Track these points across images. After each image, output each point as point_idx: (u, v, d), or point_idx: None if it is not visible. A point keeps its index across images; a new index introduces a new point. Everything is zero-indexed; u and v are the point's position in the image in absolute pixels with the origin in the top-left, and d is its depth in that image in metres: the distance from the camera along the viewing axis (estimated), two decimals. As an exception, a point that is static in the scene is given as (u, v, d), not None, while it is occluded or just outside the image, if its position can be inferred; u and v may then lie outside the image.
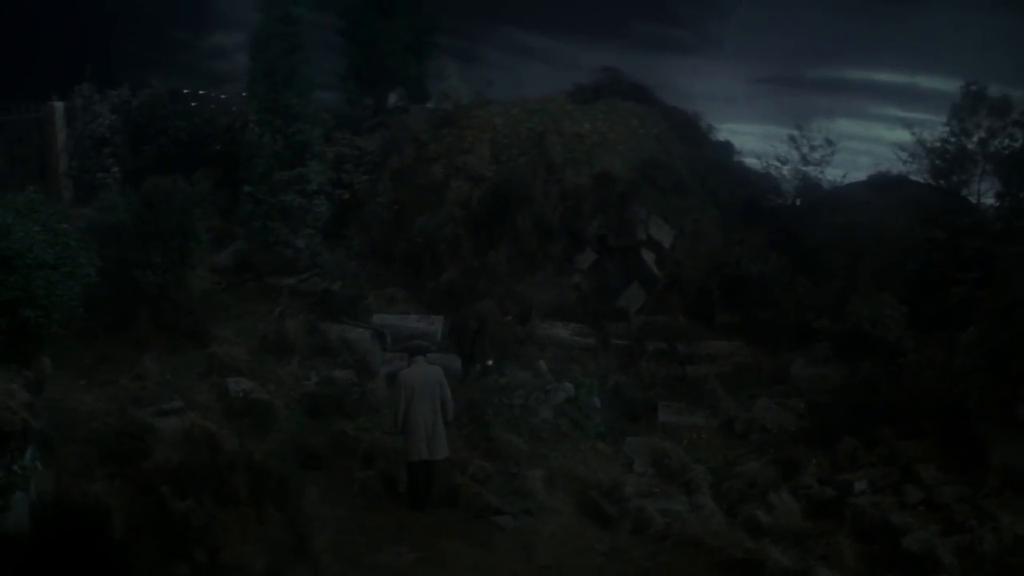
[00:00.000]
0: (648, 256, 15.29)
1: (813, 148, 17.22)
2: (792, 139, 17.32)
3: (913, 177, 16.93)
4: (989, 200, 16.41)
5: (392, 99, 19.66)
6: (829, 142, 17.28)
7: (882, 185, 16.84)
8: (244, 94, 18.27)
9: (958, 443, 11.29)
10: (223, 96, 21.20)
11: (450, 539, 10.20)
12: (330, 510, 10.58)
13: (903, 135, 17.07)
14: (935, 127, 16.72)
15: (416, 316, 14.76)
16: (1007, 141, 15.59)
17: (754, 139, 21.08)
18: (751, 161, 18.09)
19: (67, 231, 8.90)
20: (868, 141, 20.25)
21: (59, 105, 18.38)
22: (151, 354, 13.48)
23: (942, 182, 16.09)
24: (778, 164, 17.67)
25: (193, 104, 20.34)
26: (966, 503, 10.51)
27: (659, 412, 13.12)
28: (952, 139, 16.36)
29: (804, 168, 17.32)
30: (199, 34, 29.95)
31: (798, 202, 17.52)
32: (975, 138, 16.23)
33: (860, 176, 17.55)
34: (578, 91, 17.34)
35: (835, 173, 17.53)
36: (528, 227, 15.09)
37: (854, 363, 13.50)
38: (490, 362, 13.00)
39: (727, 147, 18.11)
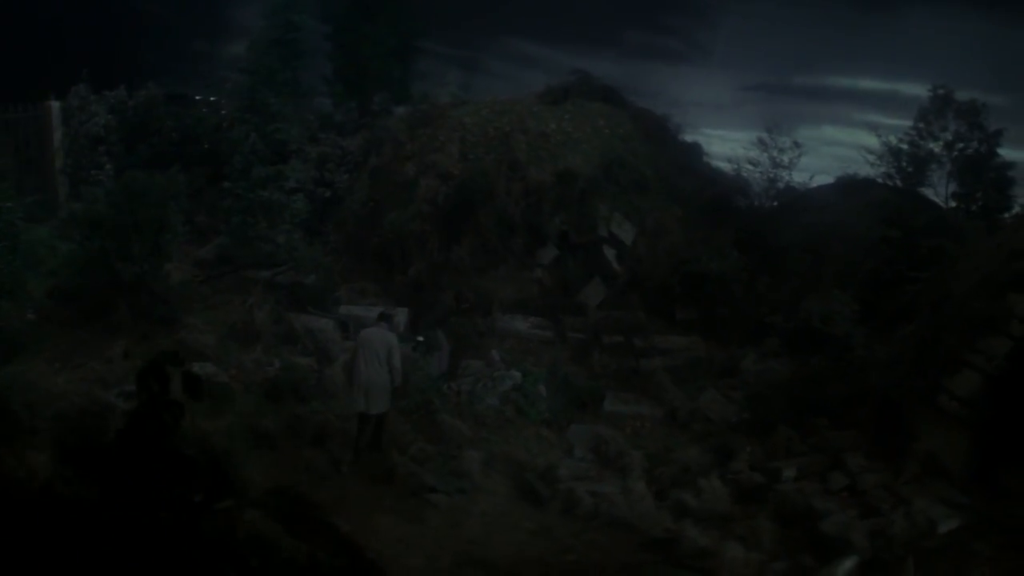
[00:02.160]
0: (609, 252, 15.63)
1: (781, 151, 17.47)
2: (761, 142, 17.60)
3: (882, 180, 17.14)
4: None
5: (377, 101, 20.16)
6: (796, 145, 17.54)
7: (848, 187, 17.07)
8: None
9: (888, 432, 11.53)
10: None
11: (383, 514, 10.64)
12: (274, 485, 11.10)
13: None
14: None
15: (381, 308, 15.18)
16: (964, 143, 15.80)
17: (741, 145, 21.34)
18: (723, 165, 18.38)
19: (12, 209, 9.41)
20: (851, 147, 20.43)
21: (55, 104, 19.10)
22: (123, 340, 14.09)
23: (899, 183, 16.27)
24: (750, 167, 17.95)
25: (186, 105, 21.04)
26: (886, 489, 10.76)
27: (606, 402, 13.45)
28: (920, 141, 16.58)
29: (772, 171, 17.57)
30: (216, 45, 30.77)
31: (770, 203, 17.78)
32: (941, 141, 16.44)
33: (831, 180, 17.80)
34: (547, 92, 17.75)
35: (805, 176, 17.80)
36: (491, 223, 15.50)
37: (804, 358, 13.80)
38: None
39: (695, 148, 18.42)
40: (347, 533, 3.41)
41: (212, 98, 22.07)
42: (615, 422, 13.09)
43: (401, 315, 14.91)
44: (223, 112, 20.37)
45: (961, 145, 16.31)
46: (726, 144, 20.03)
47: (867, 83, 24.46)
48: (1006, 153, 16.63)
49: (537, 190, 15.71)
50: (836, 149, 21.74)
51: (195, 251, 17.54)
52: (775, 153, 17.51)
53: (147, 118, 19.97)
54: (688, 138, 19.13)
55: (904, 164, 16.31)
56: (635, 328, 14.87)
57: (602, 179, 15.92)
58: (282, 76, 19.80)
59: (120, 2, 27.19)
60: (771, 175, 17.59)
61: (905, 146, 16.44)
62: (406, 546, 10.10)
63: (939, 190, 16.77)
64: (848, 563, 9.57)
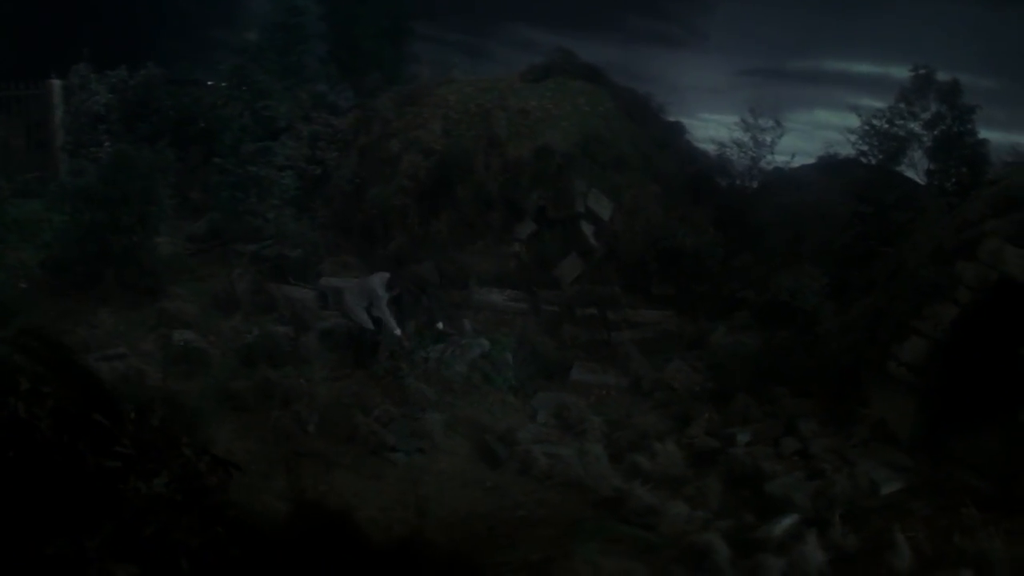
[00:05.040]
0: (586, 228, 15.84)
1: (763, 131, 17.62)
2: (744, 122, 17.76)
3: (863, 159, 17.20)
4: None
5: (369, 81, 20.48)
6: (778, 123, 17.67)
7: (829, 167, 17.19)
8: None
9: (841, 399, 11.76)
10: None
11: (343, 471, 10.99)
12: (241, 444, 11.50)
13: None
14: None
15: (359, 278, 15.50)
16: (942, 122, 15.88)
17: (738, 129, 21.43)
18: (710, 146, 18.52)
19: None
20: (841, 130, 20.55)
21: (57, 83, 19.62)
22: (109, 309, 14.55)
23: (872, 160, 16.36)
24: (735, 147, 18.10)
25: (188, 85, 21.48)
26: (835, 453, 10.98)
27: (573, 371, 13.71)
28: (899, 121, 16.61)
29: (755, 151, 17.73)
30: (233, 32, 31.27)
31: (750, 183, 17.97)
32: (920, 120, 16.48)
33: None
34: (530, 70, 17.99)
35: (788, 156, 17.98)
36: (469, 197, 15.79)
37: (772, 331, 14.00)
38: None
39: (677, 127, 18.57)
40: (97, 374, 3.73)
41: (224, 84, 22.53)
42: (581, 390, 13.33)
43: (379, 278, 15.02)
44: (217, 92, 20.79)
45: (942, 125, 16.30)
46: (722, 129, 20.23)
47: (860, 67, 24.55)
48: (994, 136, 16.69)
49: (515, 166, 15.96)
50: (828, 132, 21.79)
51: (188, 225, 17.98)
52: (757, 133, 17.65)
53: (147, 98, 20.40)
54: (686, 123, 19.38)
55: (879, 142, 16.35)
56: (609, 302, 15.09)
57: (580, 155, 16.13)
58: (286, 60, 20.28)
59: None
60: (753, 155, 17.74)
61: (885, 124, 16.44)
62: (362, 499, 10.45)
63: (920, 168, 16.83)
64: (787, 521, 9.80)
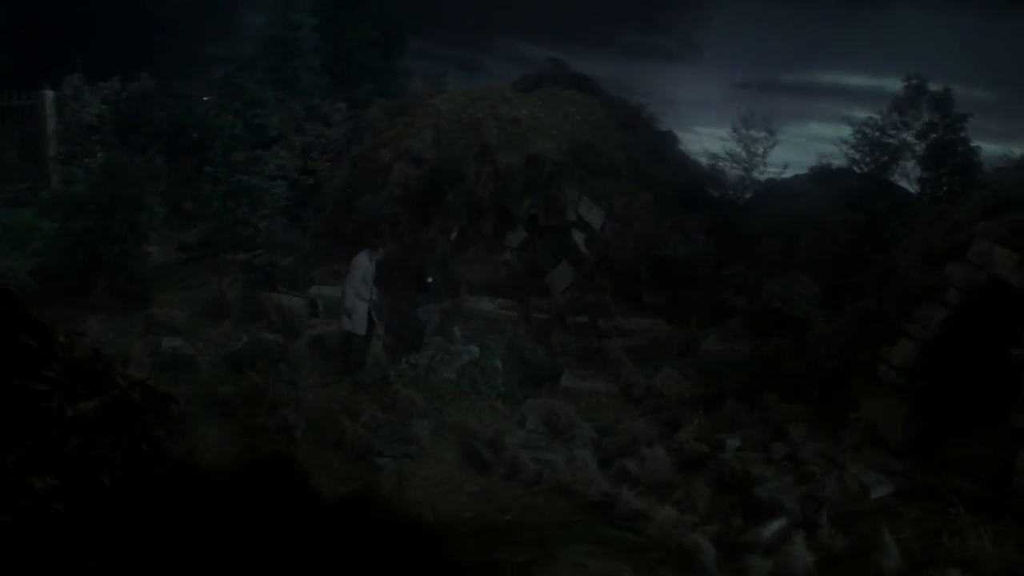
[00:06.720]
0: (578, 236, 15.81)
1: (755, 140, 17.63)
2: (736, 132, 17.77)
3: (856, 169, 17.18)
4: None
5: (361, 92, 20.53)
6: (770, 132, 17.67)
7: (821, 176, 17.18)
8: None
9: (831, 404, 11.70)
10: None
11: (329, 475, 10.88)
12: (228, 448, 11.41)
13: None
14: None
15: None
16: (934, 131, 15.88)
17: (731, 140, 21.42)
18: (702, 159, 18.52)
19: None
20: (835, 142, 20.59)
21: (49, 94, 19.64)
22: (99, 316, 14.49)
23: (864, 169, 16.34)
24: (728, 158, 18.12)
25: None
26: (825, 458, 10.89)
27: (563, 378, 13.61)
28: (892, 131, 16.60)
29: (747, 161, 17.75)
30: (230, 48, 31.32)
31: (743, 193, 17.97)
32: (913, 129, 16.46)
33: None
34: (521, 80, 18.00)
35: (780, 167, 18.00)
36: (460, 205, 15.76)
37: (763, 338, 13.93)
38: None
39: (668, 137, 18.58)
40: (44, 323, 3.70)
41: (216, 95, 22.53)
42: (571, 397, 13.20)
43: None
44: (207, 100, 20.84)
45: (934, 134, 16.28)
46: (716, 142, 20.25)
47: (854, 79, 24.62)
48: (986, 147, 16.67)
49: (506, 174, 15.94)
50: (821, 145, 21.81)
51: (180, 235, 17.98)
52: (749, 144, 17.67)
53: (140, 109, 20.45)
54: (681, 136, 19.39)
55: (869, 151, 16.34)
56: (600, 310, 15.03)
57: (571, 164, 16.13)
58: (280, 74, 20.32)
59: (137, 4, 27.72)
60: (746, 165, 17.75)
61: (876, 133, 16.42)
62: (348, 504, 10.33)
63: (912, 177, 16.80)
64: (776, 524, 9.71)
